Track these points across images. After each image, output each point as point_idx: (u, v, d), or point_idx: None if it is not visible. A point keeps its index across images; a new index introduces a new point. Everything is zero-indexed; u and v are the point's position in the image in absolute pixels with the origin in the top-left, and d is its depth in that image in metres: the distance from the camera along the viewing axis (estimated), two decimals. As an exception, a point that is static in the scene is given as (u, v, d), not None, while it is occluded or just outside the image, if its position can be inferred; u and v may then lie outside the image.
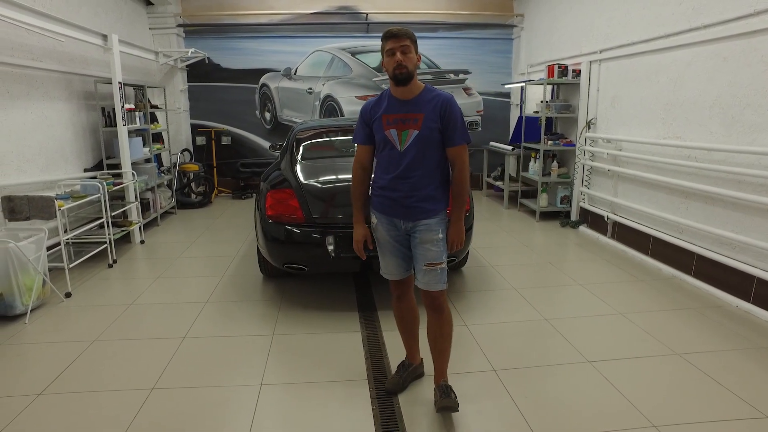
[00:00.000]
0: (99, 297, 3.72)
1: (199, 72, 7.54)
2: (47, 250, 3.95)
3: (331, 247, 3.23)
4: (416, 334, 2.51)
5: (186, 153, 7.51)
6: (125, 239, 5.10)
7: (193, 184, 7.17)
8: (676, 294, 3.68)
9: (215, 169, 7.72)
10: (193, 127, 7.72)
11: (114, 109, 5.03)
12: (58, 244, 3.84)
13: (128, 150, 5.09)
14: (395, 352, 2.80)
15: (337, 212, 3.35)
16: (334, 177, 3.56)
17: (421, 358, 2.58)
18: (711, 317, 3.26)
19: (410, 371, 2.50)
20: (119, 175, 5.06)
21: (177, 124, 7.42)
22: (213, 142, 7.68)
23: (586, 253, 4.74)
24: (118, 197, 5.19)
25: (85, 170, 5.07)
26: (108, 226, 4.39)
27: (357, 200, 2.33)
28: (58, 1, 4.67)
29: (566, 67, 5.74)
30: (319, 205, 3.34)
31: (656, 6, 4.31)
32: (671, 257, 4.15)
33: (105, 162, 5.19)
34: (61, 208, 3.68)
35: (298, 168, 3.66)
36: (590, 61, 5.40)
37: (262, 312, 3.44)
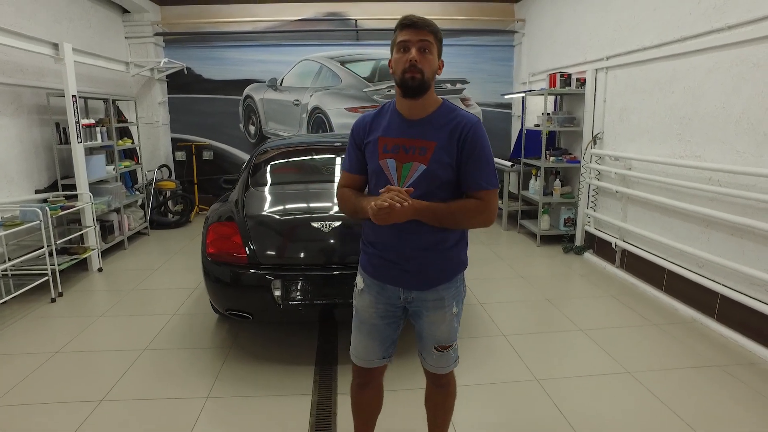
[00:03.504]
0: (23, 343, 3.23)
1: (180, 83, 7.11)
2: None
3: (278, 294, 2.71)
4: (374, 424, 1.98)
5: (164, 169, 7.07)
6: (81, 266, 4.64)
7: (170, 203, 6.72)
8: (698, 344, 3.08)
9: (196, 186, 7.26)
10: (173, 141, 7.28)
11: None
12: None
13: (84, 169, 4.63)
14: (347, 424, 2.26)
15: (287, 251, 2.82)
16: (283, 208, 3.02)
17: (375, 449, 2.04)
18: (743, 380, 2.65)
19: (359, 467, 1.96)
20: (75, 197, 4.61)
21: (155, 138, 6.98)
22: (194, 157, 7.23)
23: (591, 288, 4.15)
24: (75, 221, 4.75)
25: (37, 191, 4.62)
26: (52, 255, 3.93)
27: (354, 203, 1.62)
28: (4, 7, 4.25)
29: (569, 75, 5.19)
30: (266, 242, 2.81)
31: (671, 6, 3.75)
32: (690, 295, 3.56)
33: (60, 182, 4.74)
34: (-19, 241, 3.22)
35: (246, 197, 3.13)
36: (596, 69, 4.84)
37: (204, 365, 2.92)
